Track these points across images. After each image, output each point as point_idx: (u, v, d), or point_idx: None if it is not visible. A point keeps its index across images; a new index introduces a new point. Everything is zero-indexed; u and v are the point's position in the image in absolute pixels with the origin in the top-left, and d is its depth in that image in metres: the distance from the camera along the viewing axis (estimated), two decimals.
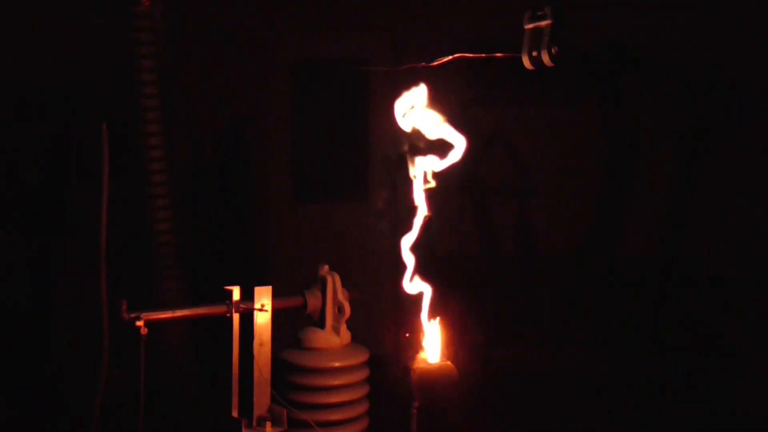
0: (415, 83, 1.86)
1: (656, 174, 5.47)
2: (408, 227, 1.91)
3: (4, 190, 4.62)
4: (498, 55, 1.75)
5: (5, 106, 5.04)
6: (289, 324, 2.12)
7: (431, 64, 1.87)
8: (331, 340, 2.08)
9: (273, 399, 1.99)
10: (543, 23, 1.57)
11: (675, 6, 5.51)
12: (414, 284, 1.96)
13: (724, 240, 5.13)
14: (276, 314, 2.01)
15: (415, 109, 1.83)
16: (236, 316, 1.96)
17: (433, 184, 1.87)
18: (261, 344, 1.97)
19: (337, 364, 2.05)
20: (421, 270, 1.96)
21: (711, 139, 5.29)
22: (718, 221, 5.36)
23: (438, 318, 1.99)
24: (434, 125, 1.80)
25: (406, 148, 1.87)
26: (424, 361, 1.97)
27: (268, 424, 1.96)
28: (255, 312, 1.97)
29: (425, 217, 1.90)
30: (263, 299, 1.98)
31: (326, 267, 2.11)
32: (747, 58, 5.32)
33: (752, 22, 5.37)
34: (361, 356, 2.11)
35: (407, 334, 2.02)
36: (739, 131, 5.27)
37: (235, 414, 1.99)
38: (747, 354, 4.39)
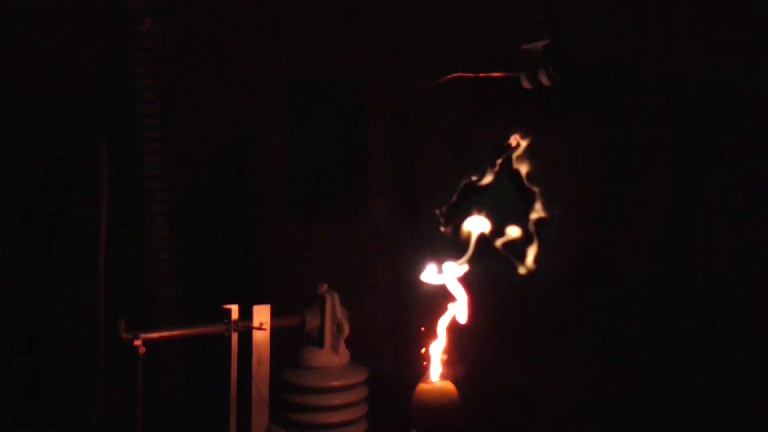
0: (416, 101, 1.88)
1: (655, 191, 5.48)
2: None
3: (2, 209, 4.63)
4: (495, 74, 1.77)
5: (4, 124, 5.06)
6: (288, 343, 2.12)
7: (430, 84, 1.88)
8: (330, 359, 2.07)
9: (271, 418, 1.99)
10: (540, 43, 1.59)
11: (671, 23, 5.55)
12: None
13: (726, 257, 5.13)
14: (275, 333, 2.01)
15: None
16: (235, 335, 1.96)
17: None
18: (259, 363, 1.97)
19: (335, 384, 2.04)
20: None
21: (710, 155, 5.30)
22: (719, 238, 5.36)
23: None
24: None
25: None
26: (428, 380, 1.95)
27: None
28: (254, 331, 1.96)
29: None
30: (262, 318, 1.98)
31: (325, 286, 2.10)
32: (744, 74, 5.34)
33: (748, 38, 5.41)
34: (360, 375, 2.10)
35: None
36: (738, 147, 5.28)
37: None
38: (750, 372, 4.38)
